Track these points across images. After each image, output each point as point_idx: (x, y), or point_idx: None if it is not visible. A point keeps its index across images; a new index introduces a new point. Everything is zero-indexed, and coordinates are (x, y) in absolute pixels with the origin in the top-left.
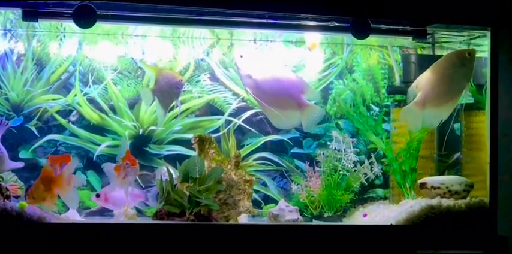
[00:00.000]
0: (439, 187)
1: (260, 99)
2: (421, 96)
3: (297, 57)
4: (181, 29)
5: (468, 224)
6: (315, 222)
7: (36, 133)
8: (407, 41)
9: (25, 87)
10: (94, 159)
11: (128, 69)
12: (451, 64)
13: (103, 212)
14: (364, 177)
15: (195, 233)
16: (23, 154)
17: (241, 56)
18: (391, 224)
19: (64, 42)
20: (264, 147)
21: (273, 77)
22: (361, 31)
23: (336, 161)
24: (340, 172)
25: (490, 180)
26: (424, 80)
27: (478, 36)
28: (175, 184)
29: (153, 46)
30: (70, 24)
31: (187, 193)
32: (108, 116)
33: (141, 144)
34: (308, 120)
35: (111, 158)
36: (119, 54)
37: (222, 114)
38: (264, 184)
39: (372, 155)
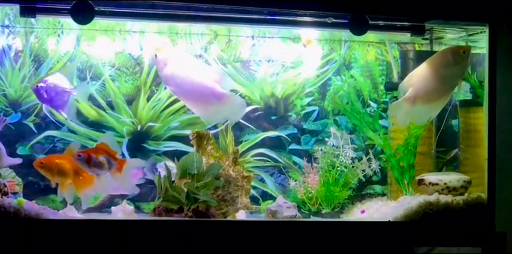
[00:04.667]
0: (437, 184)
1: (181, 96)
2: (411, 92)
3: (295, 54)
4: (179, 25)
5: (466, 221)
6: (313, 218)
7: (34, 130)
8: (405, 37)
9: (23, 83)
10: None
11: (125, 65)
12: (445, 61)
13: (101, 208)
14: (362, 173)
15: (193, 230)
16: (20, 151)
17: (156, 56)
18: (389, 221)
19: (62, 38)
20: (262, 143)
21: (187, 72)
22: (359, 27)
23: (334, 157)
24: (338, 169)
25: (487, 176)
26: (416, 76)
27: (476, 33)
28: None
29: (151, 42)
30: (68, 20)
31: (185, 189)
32: (106, 112)
33: (139, 140)
34: (229, 111)
35: None
36: (116, 50)
37: None
38: (262, 181)
39: (370, 151)
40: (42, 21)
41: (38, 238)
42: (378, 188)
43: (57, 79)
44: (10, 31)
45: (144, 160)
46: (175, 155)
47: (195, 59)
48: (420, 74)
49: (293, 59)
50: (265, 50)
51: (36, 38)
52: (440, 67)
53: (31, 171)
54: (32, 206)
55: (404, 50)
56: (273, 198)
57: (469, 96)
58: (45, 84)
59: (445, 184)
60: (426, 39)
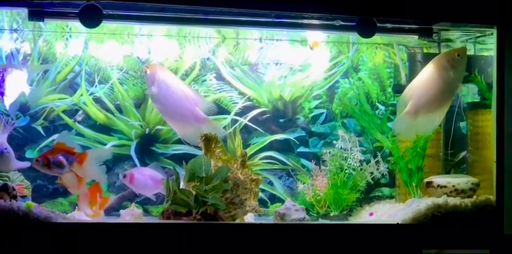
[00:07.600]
0: (445, 186)
1: (165, 115)
2: (412, 104)
3: (302, 56)
4: (187, 28)
5: (474, 223)
6: (321, 221)
7: (43, 133)
8: (413, 39)
9: (31, 86)
10: None
11: (133, 69)
12: (441, 68)
13: (109, 211)
14: (371, 175)
15: (201, 233)
16: (29, 154)
17: (146, 72)
18: (398, 223)
19: (70, 42)
20: (270, 146)
21: (171, 93)
22: (367, 30)
23: (342, 160)
24: (347, 171)
25: (496, 178)
26: (414, 87)
27: (485, 35)
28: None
29: (159, 45)
30: (76, 24)
31: (194, 193)
32: (115, 116)
33: (148, 144)
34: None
35: (118, 157)
36: (125, 54)
37: (228, 113)
38: (271, 183)
39: (378, 154)
40: (51, 25)
41: (47, 242)
42: (386, 190)
43: (16, 73)
44: (18, 35)
45: (107, 149)
46: (183, 158)
47: (180, 80)
48: (418, 85)
49: (301, 61)
50: (273, 52)
51: (45, 41)
52: (437, 75)
53: (40, 174)
54: (41, 210)
55: (412, 52)
56: (282, 201)
57: (477, 98)
58: (1, 71)
59: (453, 186)
60: (434, 41)
